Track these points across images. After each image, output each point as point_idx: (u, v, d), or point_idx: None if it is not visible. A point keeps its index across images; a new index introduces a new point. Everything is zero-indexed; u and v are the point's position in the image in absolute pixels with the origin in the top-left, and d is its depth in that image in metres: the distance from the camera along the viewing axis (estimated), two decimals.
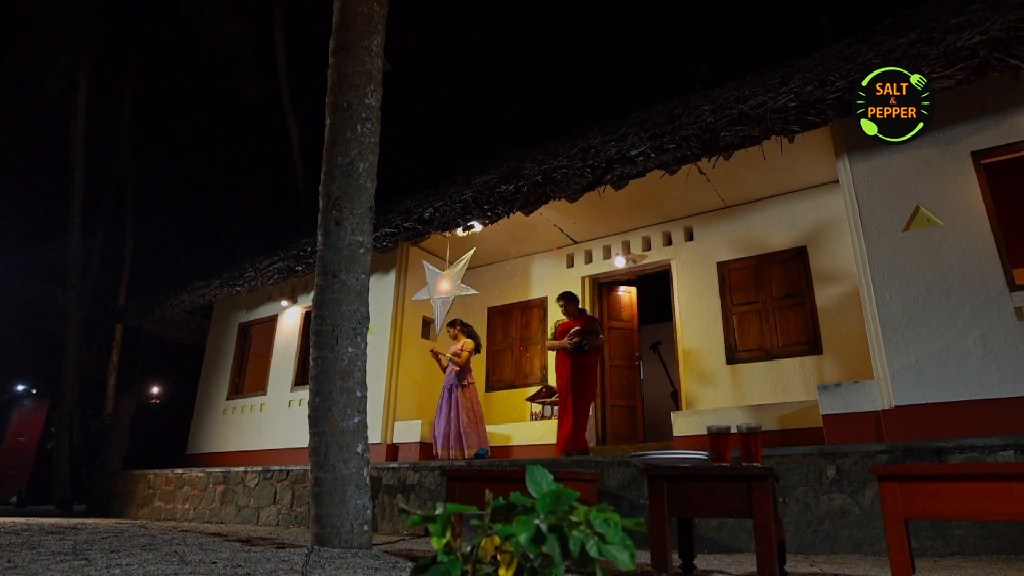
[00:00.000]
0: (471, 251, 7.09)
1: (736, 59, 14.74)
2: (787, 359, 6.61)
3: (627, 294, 8.28)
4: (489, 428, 7.79)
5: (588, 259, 8.20)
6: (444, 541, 0.97)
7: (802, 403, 6.01)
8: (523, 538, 0.87)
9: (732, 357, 6.90)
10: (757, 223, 7.16)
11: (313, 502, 2.76)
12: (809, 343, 6.56)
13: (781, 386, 6.54)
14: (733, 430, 2.23)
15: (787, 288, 6.85)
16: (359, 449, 2.82)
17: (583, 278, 8.13)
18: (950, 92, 5.05)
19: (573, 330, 5.93)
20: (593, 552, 0.87)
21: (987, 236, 5.09)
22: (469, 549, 1.06)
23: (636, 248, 7.85)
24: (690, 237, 7.54)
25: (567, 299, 6.32)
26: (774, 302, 6.86)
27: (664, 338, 7.92)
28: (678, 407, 7.06)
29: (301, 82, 14.26)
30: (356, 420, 2.83)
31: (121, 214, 15.82)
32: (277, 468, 6.80)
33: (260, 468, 6.97)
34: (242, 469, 7.16)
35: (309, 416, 2.84)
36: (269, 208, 17.40)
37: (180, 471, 7.93)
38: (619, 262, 7.79)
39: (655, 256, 7.71)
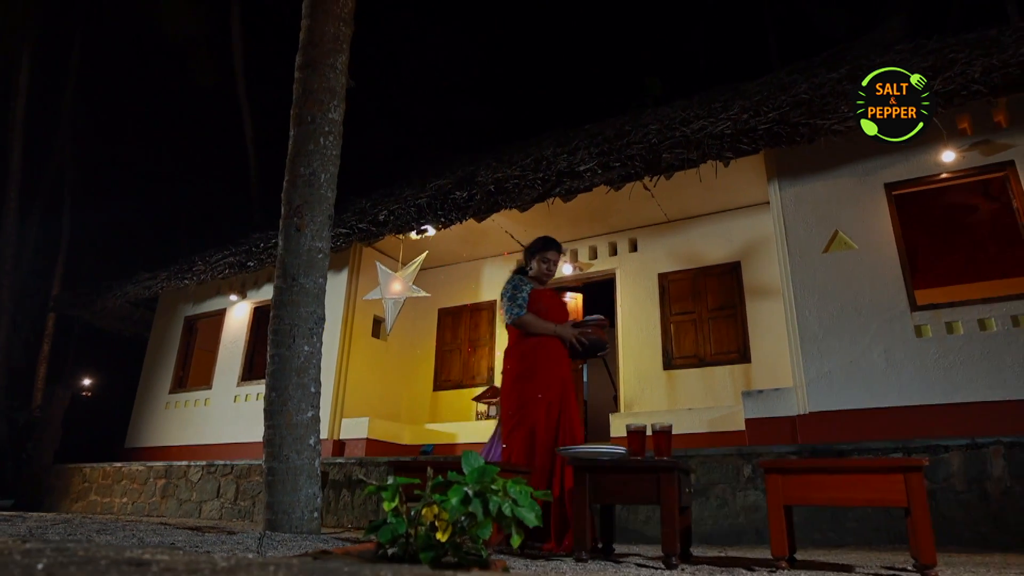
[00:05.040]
0: (423, 254, 7.31)
1: (689, 76, 15.35)
2: (719, 366, 7.06)
3: (574, 300, 8.62)
4: (436, 426, 8.02)
5: None
6: (393, 505, 1.22)
7: (730, 408, 6.46)
8: (454, 501, 1.13)
9: (669, 363, 7.31)
10: (696, 238, 7.61)
11: (266, 490, 2.95)
12: (739, 352, 7.02)
13: (712, 392, 6.98)
14: (648, 431, 2.54)
15: (721, 300, 7.31)
16: (311, 441, 3.02)
17: None
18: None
19: (592, 318, 3.41)
20: (507, 511, 1.13)
21: (895, 260, 5.62)
22: (412, 514, 1.31)
23: (583, 256, 8.21)
24: (634, 248, 7.94)
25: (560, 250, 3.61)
26: (709, 313, 7.31)
27: (608, 343, 8.30)
28: (618, 409, 7.43)
29: (256, 73, 14.15)
30: (310, 414, 3.03)
31: (58, 200, 15.30)
32: (221, 462, 6.85)
33: (204, 462, 7.00)
34: (185, 463, 7.17)
35: (265, 409, 3.03)
36: (218, 200, 17.11)
37: (119, 465, 7.85)
38: (567, 269, 8.13)
39: (601, 265, 8.07)
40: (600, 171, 5.82)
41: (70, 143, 14.95)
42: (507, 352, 3.32)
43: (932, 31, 8.58)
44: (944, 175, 5.72)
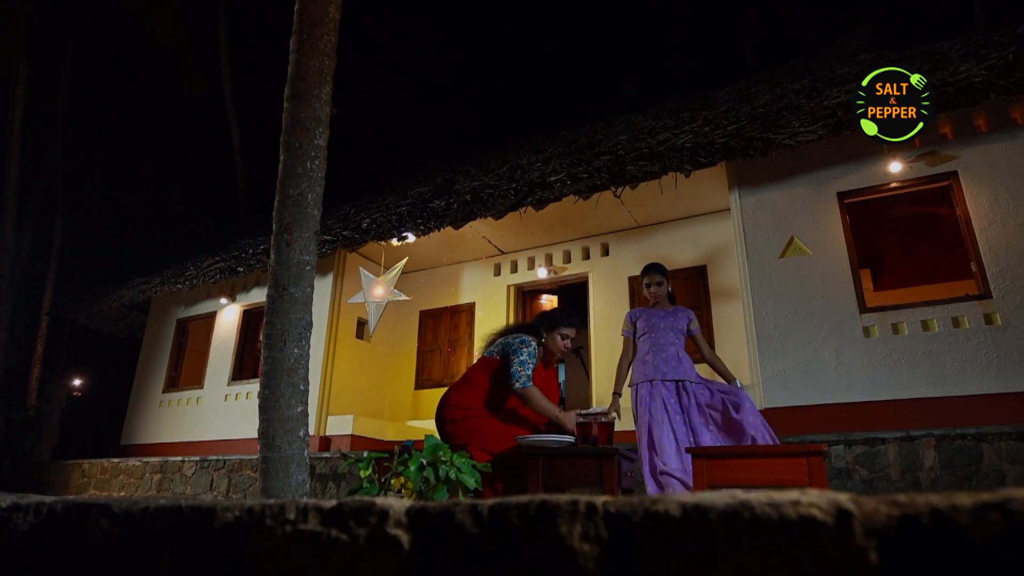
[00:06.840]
0: (404, 259, 7.68)
1: (665, 82, 15.74)
2: None
3: (548, 302, 9.03)
4: (418, 423, 8.39)
5: (514, 269, 8.89)
6: (367, 473, 1.59)
7: None
8: (412, 468, 1.50)
9: None
10: (665, 242, 8.01)
11: (261, 477, 3.31)
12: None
13: None
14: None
15: (689, 302, 7.67)
16: (301, 433, 3.38)
17: (508, 286, 8.83)
18: (816, 143, 5.93)
19: (596, 411, 3.18)
20: (452, 476, 1.51)
21: (845, 265, 6.00)
22: (383, 481, 1.69)
23: (558, 260, 8.60)
24: (606, 252, 8.33)
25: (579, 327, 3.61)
26: None
27: (582, 343, 8.72)
28: (591, 406, 7.83)
29: (243, 82, 14.42)
30: (299, 409, 3.39)
31: (51, 206, 15.48)
32: (214, 457, 7.18)
33: (197, 458, 7.33)
34: (179, 458, 7.49)
35: (259, 405, 3.38)
36: (207, 205, 17.36)
37: (116, 460, 8.16)
38: (542, 273, 8.52)
39: (574, 268, 8.47)
40: (569, 182, 6.20)
41: (62, 150, 15.13)
42: (472, 385, 3.26)
43: (901, 37, 9.01)
44: (893, 184, 6.08)
